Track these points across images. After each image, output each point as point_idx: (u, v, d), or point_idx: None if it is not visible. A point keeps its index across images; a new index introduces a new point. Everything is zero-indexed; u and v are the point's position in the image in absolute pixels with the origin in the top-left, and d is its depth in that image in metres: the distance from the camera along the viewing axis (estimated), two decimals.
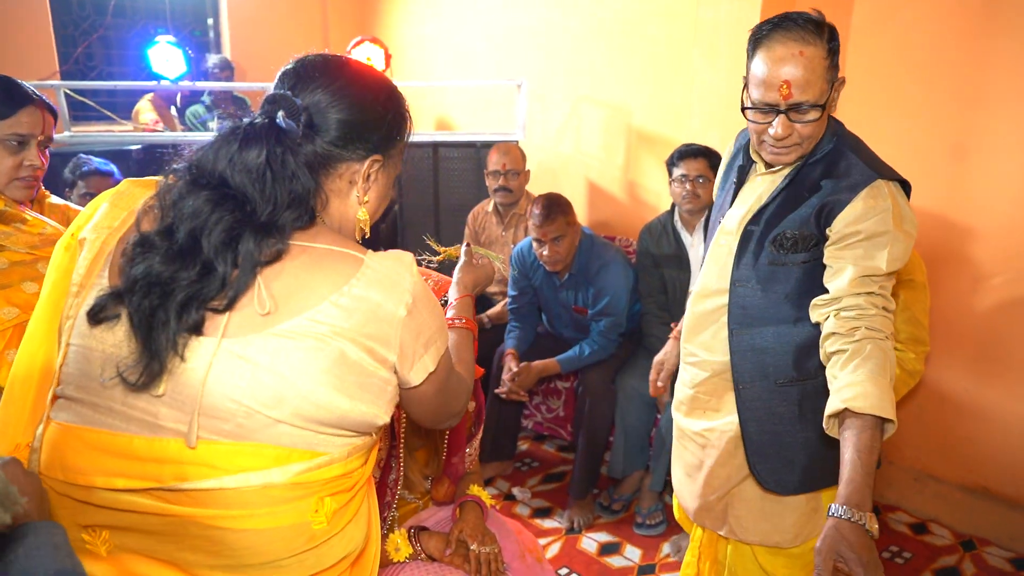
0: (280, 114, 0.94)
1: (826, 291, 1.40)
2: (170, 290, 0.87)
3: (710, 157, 2.68)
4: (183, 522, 0.90)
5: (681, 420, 1.68)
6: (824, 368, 1.39)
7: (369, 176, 1.03)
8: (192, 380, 0.88)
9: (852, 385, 1.27)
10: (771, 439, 1.50)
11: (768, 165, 1.50)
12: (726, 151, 1.71)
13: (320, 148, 0.97)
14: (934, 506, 2.77)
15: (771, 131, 1.39)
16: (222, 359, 0.88)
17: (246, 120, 0.94)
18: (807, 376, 1.47)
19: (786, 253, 1.44)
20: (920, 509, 2.80)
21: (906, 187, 1.43)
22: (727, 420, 1.57)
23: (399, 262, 0.96)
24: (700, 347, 1.61)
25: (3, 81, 1.51)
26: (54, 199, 1.70)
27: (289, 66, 1.02)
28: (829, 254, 1.40)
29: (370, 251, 0.97)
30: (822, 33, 1.34)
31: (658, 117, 3.56)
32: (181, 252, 0.88)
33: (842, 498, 1.17)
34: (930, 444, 2.79)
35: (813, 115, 1.36)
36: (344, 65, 1.02)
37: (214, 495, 0.89)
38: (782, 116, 1.37)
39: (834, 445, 1.30)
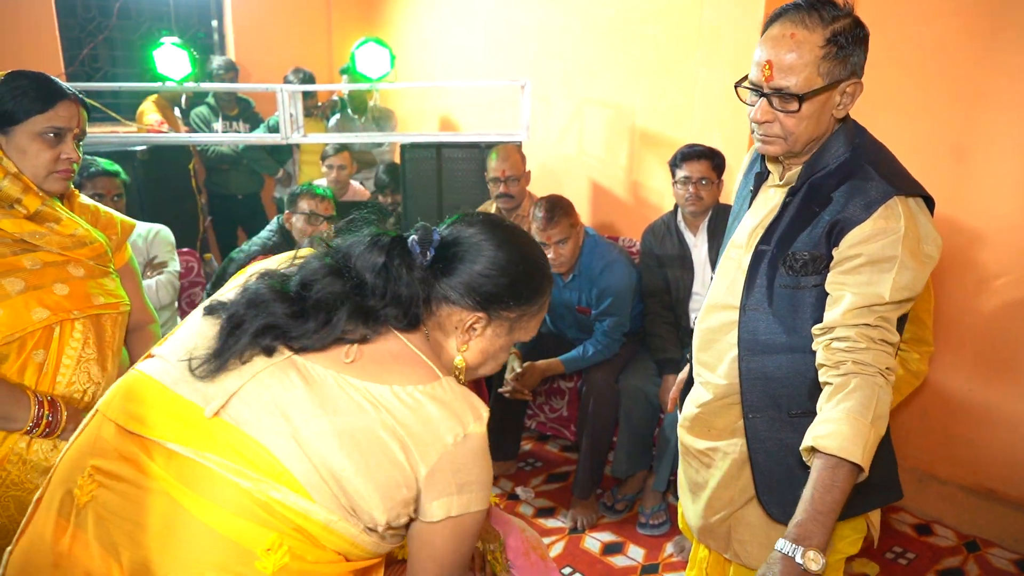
0: (413, 237, 1.07)
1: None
2: (261, 313, 0.97)
3: (713, 158, 2.68)
4: (156, 491, 0.93)
5: (685, 437, 1.64)
6: None
7: (473, 328, 1.09)
8: (245, 373, 0.96)
9: (827, 422, 1.23)
10: (782, 471, 1.43)
11: (780, 176, 1.42)
12: (747, 154, 1.62)
13: (440, 283, 1.07)
14: (938, 507, 2.77)
15: (751, 112, 1.33)
16: (281, 366, 0.97)
17: (385, 232, 1.08)
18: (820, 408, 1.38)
19: (797, 276, 1.35)
20: (924, 510, 2.80)
21: (930, 203, 1.33)
22: (730, 442, 1.53)
23: (472, 405, 1.01)
24: (704, 367, 1.55)
25: (40, 77, 1.54)
26: (84, 199, 1.71)
27: (477, 215, 1.15)
28: (831, 278, 1.31)
29: (454, 380, 1.03)
30: (827, 20, 1.24)
31: (661, 117, 3.57)
32: (286, 293, 1.00)
33: (787, 533, 1.19)
34: (934, 445, 2.79)
35: (792, 106, 1.27)
36: (502, 227, 1.11)
37: (195, 469, 0.93)
38: (763, 99, 1.30)
39: None
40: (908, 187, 1.31)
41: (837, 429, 1.20)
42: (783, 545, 1.17)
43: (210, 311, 1.02)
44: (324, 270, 1.01)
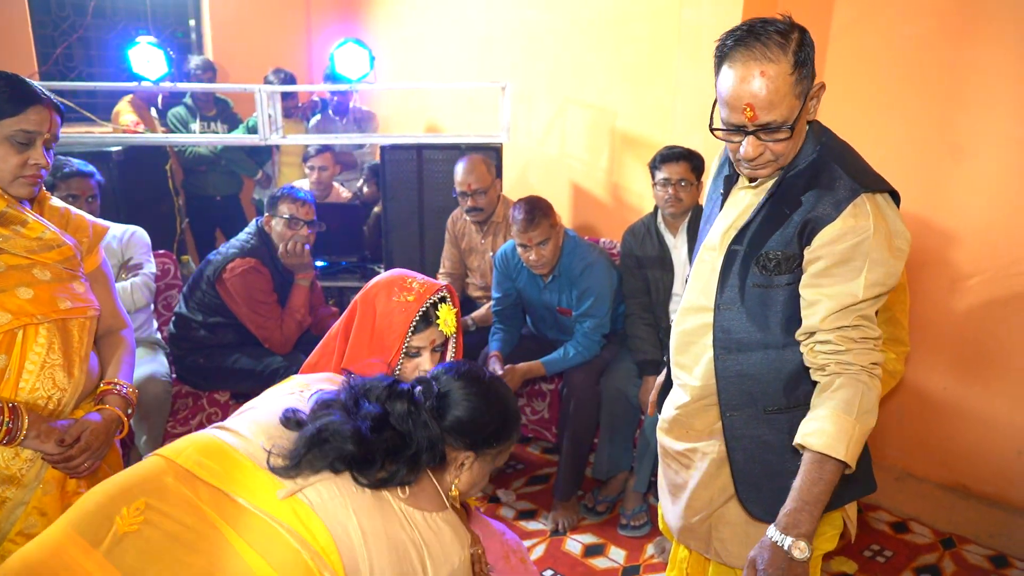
0: (418, 388, 1.25)
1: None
2: (341, 445, 1.12)
3: (692, 160, 2.69)
4: (215, 537, 1.02)
5: (663, 439, 1.65)
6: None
7: (463, 464, 1.28)
8: (317, 476, 1.11)
9: (814, 420, 1.30)
10: (760, 468, 1.45)
11: (751, 178, 1.45)
12: (716, 157, 1.64)
13: (439, 426, 1.24)
14: (914, 505, 2.80)
15: (741, 151, 1.33)
16: (347, 478, 1.13)
17: (399, 383, 1.27)
18: (797, 404, 1.41)
19: (770, 275, 1.38)
20: (901, 508, 2.83)
21: (895, 197, 1.36)
22: (708, 442, 1.54)
23: (467, 532, 1.23)
24: (682, 369, 1.57)
25: (12, 79, 1.50)
26: (55, 201, 1.67)
27: (463, 367, 1.33)
28: (805, 281, 1.34)
29: (454, 514, 1.25)
30: (786, 46, 1.25)
31: (642, 118, 3.58)
32: (364, 436, 1.14)
33: (777, 522, 1.29)
34: (910, 443, 2.83)
35: (783, 135, 1.29)
36: (483, 382, 1.31)
37: (262, 529, 1.04)
38: (751, 137, 1.31)
39: None
40: (874, 183, 1.33)
41: (822, 427, 1.28)
42: (773, 533, 1.27)
43: (290, 423, 1.17)
44: (383, 420, 1.18)
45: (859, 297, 1.29)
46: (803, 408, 1.41)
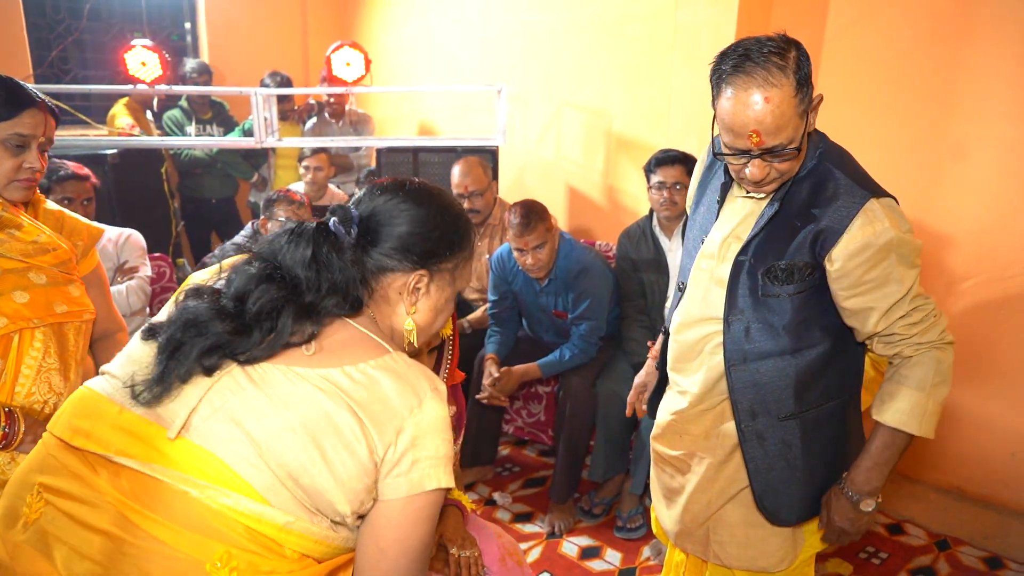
0: (333, 220, 1.06)
1: (830, 320, 1.40)
2: (202, 333, 0.96)
3: (687, 163, 2.69)
4: (105, 507, 0.92)
5: (657, 445, 1.65)
6: (823, 398, 1.45)
7: (418, 289, 1.10)
8: (195, 394, 0.96)
9: (889, 396, 1.40)
10: (779, 474, 1.47)
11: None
12: (701, 156, 1.64)
13: (372, 255, 1.07)
14: (909, 507, 2.81)
15: (747, 172, 1.32)
16: (228, 376, 0.97)
17: (304, 223, 1.06)
18: (808, 407, 1.44)
19: (780, 285, 1.38)
20: (895, 510, 2.83)
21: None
22: (707, 447, 1.54)
23: (427, 376, 1.02)
24: (680, 375, 1.57)
25: (7, 82, 1.49)
26: (49, 204, 1.67)
27: (383, 182, 1.14)
28: (842, 295, 1.36)
29: (405, 355, 1.04)
30: (786, 67, 1.22)
31: (638, 121, 3.59)
32: (224, 309, 0.98)
33: (848, 478, 1.44)
34: None
35: (790, 154, 1.29)
36: (412, 185, 1.12)
37: (145, 483, 0.93)
38: (756, 160, 1.30)
39: (834, 478, 1.45)
40: (876, 189, 1.35)
41: (895, 405, 1.38)
42: (845, 488, 1.42)
43: (148, 335, 1.01)
44: (256, 278, 1.00)
45: (905, 288, 1.34)
46: (815, 411, 1.44)
